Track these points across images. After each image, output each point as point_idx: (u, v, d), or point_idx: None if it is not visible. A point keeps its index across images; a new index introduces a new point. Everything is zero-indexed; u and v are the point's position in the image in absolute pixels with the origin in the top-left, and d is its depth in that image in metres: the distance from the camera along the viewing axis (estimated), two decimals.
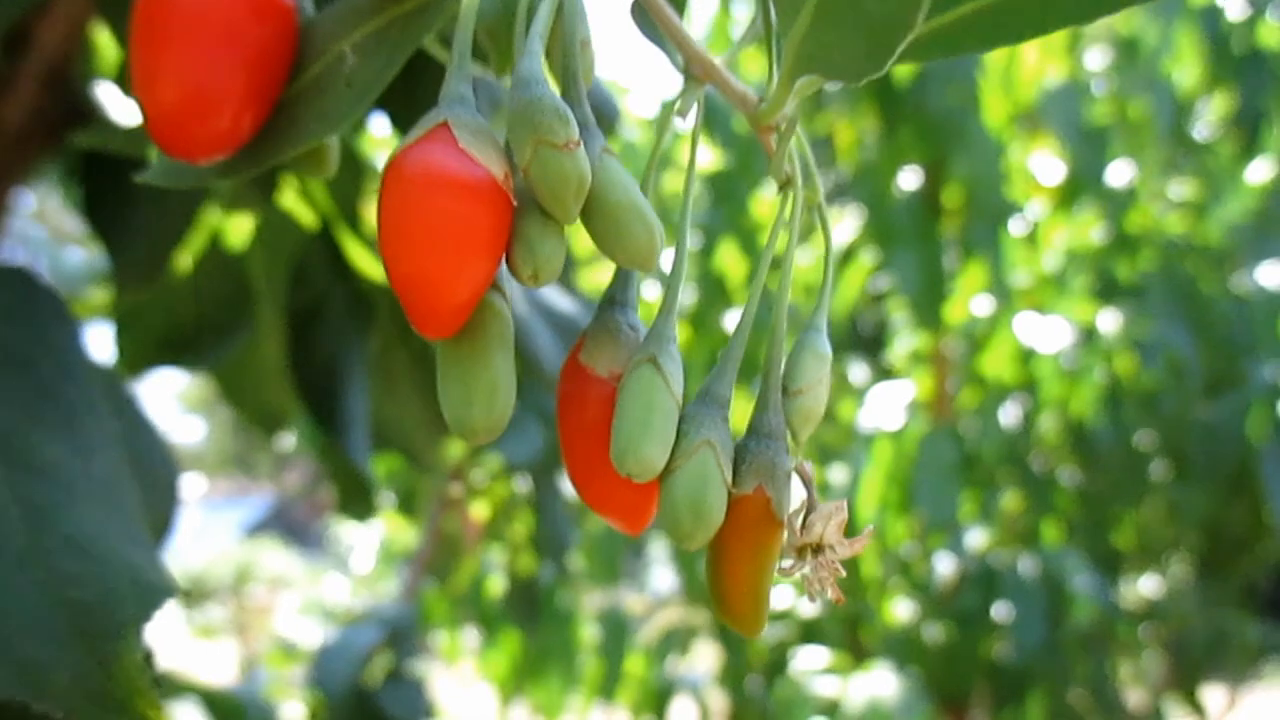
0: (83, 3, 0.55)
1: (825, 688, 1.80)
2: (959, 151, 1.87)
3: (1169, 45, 1.90)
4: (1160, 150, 1.96)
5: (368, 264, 0.64)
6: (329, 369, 0.60)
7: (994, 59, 1.92)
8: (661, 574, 2.58)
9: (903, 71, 1.84)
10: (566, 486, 1.58)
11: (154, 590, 0.29)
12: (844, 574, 0.22)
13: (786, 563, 0.23)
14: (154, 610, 0.28)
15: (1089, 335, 1.97)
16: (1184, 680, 2.11)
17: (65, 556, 0.29)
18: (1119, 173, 1.95)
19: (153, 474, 0.43)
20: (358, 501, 0.62)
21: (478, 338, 0.23)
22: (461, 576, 1.51)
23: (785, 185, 0.25)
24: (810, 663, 1.87)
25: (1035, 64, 1.93)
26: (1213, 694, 2.22)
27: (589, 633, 2.04)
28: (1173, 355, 1.88)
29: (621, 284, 0.26)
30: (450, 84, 0.23)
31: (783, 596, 2.04)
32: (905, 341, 2.06)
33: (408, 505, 1.51)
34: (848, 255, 1.91)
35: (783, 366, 0.25)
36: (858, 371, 2.11)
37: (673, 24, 0.26)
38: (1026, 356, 1.96)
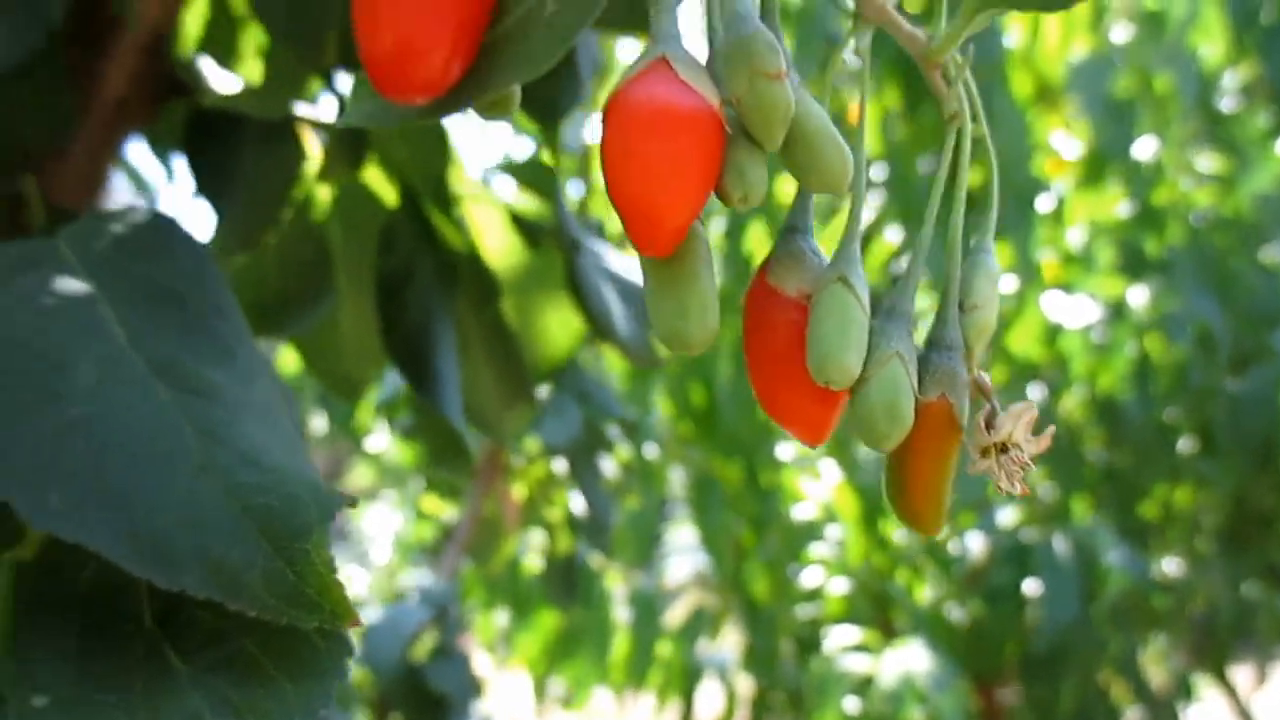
0: None
1: (857, 665, 1.82)
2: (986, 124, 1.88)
3: (1195, 18, 1.91)
4: (1186, 124, 1.98)
5: (451, 232, 0.66)
6: (420, 332, 0.63)
7: (1017, 35, 1.94)
8: (678, 562, 2.60)
9: None
10: (606, 466, 1.61)
11: (331, 496, 0.31)
12: (1033, 469, 0.25)
13: (977, 463, 0.25)
14: (334, 513, 0.30)
15: (1117, 311, 1.99)
16: (1212, 656, 2.13)
17: (241, 469, 0.31)
18: (1145, 147, 1.97)
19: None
20: (453, 456, 0.65)
21: (688, 257, 0.25)
22: (500, 558, 1.54)
23: (953, 119, 0.28)
24: (841, 641, 1.89)
25: (1059, 39, 1.95)
26: (1240, 671, 2.25)
27: (619, 614, 2.07)
28: (1201, 329, 1.90)
29: (801, 211, 0.28)
30: (661, 21, 0.25)
31: (811, 576, 2.07)
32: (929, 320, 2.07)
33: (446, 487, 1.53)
34: (868, 235, 1.94)
35: (958, 284, 0.27)
36: None
37: None
38: (1053, 333, 1.98)
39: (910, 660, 1.84)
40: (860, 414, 0.25)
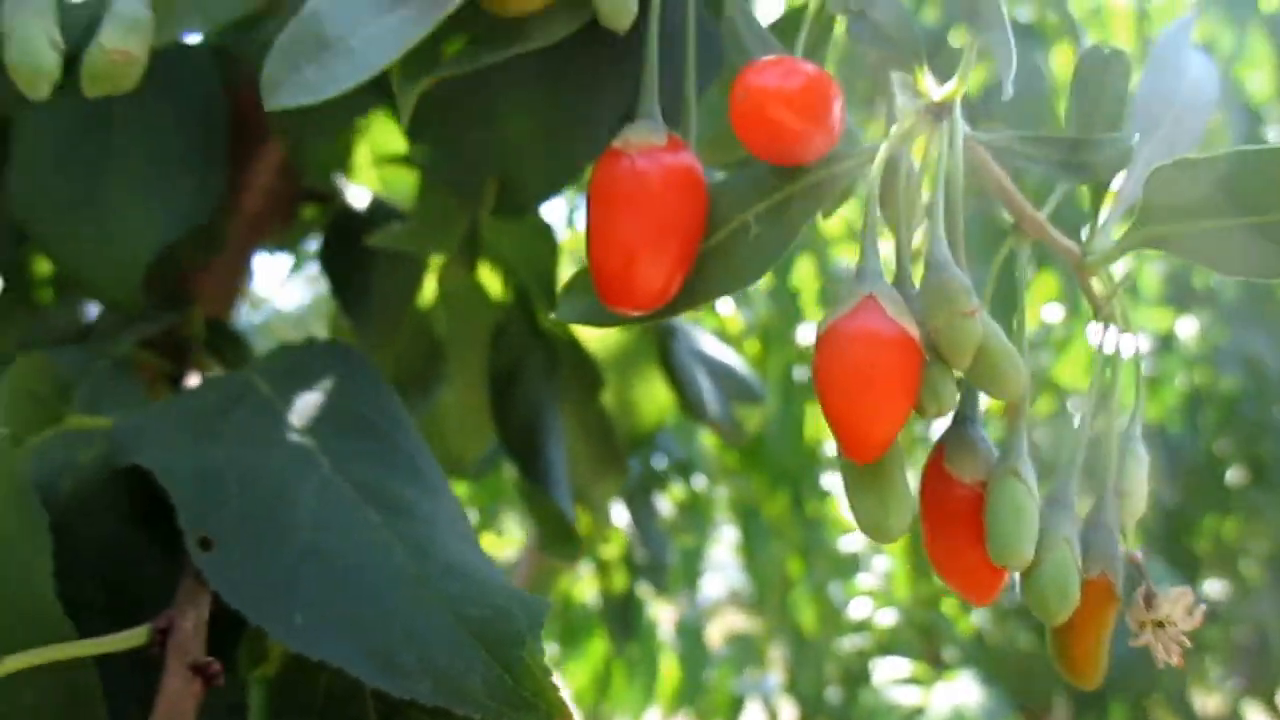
0: None
1: (907, 697, 1.86)
2: None
3: (1243, 50, 1.94)
4: None
5: (556, 327, 0.71)
6: (531, 424, 0.67)
7: (1060, 68, 1.98)
8: (711, 579, 2.63)
9: (972, 83, 1.88)
10: (661, 505, 1.65)
11: (536, 604, 0.35)
12: (1189, 645, 0.29)
13: (1138, 636, 0.30)
14: (542, 620, 0.34)
15: (1166, 343, 2.02)
16: (1262, 685, 2.15)
17: (451, 582, 0.35)
18: None
19: None
20: (563, 542, 0.69)
21: (887, 461, 0.30)
22: (556, 592, 1.59)
23: (1107, 318, 0.32)
24: (891, 673, 1.93)
25: None
26: None
27: (667, 642, 2.10)
28: (1251, 360, 1.93)
29: (972, 404, 0.32)
30: (866, 261, 0.30)
31: (860, 607, 2.10)
32: None
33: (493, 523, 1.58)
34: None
35: (1114, 472, 0.32)
36: None
37: (1002, 183, 0.33)
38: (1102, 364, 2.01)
39: (961, 693, 1.87)
40: (1034, 594, 0.30)
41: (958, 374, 0.30)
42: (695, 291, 0.32)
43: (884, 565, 2.16)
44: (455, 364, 0.73)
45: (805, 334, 1.81)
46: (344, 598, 0.34)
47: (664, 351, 0.76)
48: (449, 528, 0.38)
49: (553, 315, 0.34)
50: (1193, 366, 1.97)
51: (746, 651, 2.21)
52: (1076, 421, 0.32)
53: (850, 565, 2.15)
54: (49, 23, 0.28)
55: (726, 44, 0.36)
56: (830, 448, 2.28)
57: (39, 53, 0.27)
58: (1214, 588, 2.10)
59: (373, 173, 0.67)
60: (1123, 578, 0.31)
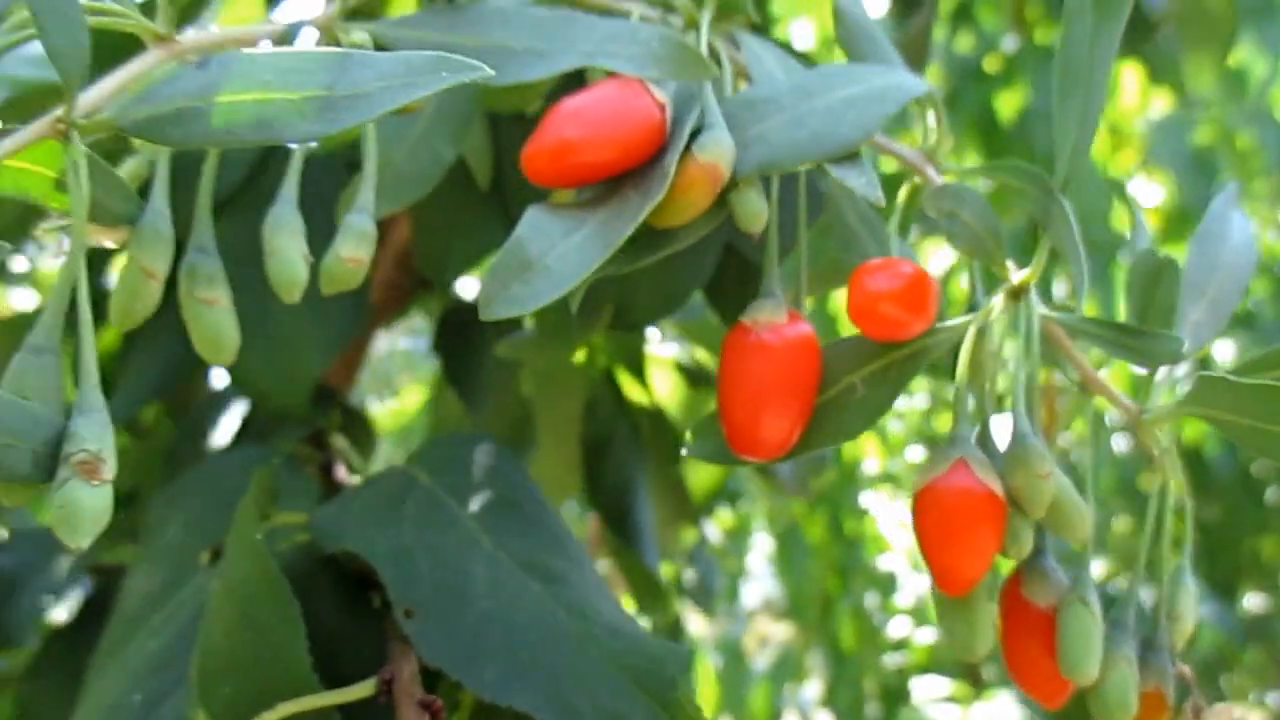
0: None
1: (946, 716, 1.92)
2: (1066, 187, 1.96)
3: (1277, 75, 1.99)
4: (1270, 181, 2.05)
5: (640, 393, 0.78)
6: (621, 488, 0.74)
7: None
8: (747, 588, 2.69)
9: (1007, 108, 1.93)
10: (710, 531, 1.72)
11: (683, 652, 0.41)
12: None
13: None
14: (689, 665, 0.41)
15: (1203, 364, 2.06)
16: None
17: (609, 639, 0.41)
18: None
19: None
20: (652, 598, 0.76)
21: (975, 591, 0.36)
22: None
23: (1162, 478, 0.39)
24: (931, 691, 1.99)
25: (1138, 95, 2.03)
26: None
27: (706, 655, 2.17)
28: None
29: (1043, 539, 0.39)
30: (958, 428, 0.36)
31: (899, 626, 2.16)
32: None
33: None
34: (946, 279, 2.03)
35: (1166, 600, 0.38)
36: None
37: (1072, 353, 0.39)
38: (1139, 385, 2.06)
39: (999, 712, 1.92)
40: (1098, 704, 0.36)
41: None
42: (810, 442, 0.39)
43: (923, 584, 2.21)
44: (544, 431, 0.80)
45: None
46: (523, 655, 0.41)
47: None
48: (596, 592, 0.45)
49: (684, 452, 0.41)
50: None
51: (785, 667, 2.27)
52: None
53: (888, 584, 2.21)
54: (300, 241, 0.35)
55: (831, 221, 0.42)
56: (868, 466, 2.34)
57: (295, 267, 0.34)
58: (1253, 602, 2.15)
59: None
60: (1174, 690, 0.38)
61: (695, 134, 0.36)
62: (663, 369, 0.83)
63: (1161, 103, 2.06)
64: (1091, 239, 1.86)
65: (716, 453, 0.41)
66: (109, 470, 0.26)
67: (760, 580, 2.52)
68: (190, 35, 0.32)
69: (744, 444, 0.39)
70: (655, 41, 0.37)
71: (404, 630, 0.40)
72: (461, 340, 0.69)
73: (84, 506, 0.25)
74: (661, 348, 0.85)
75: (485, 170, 0.54)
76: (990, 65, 1.94)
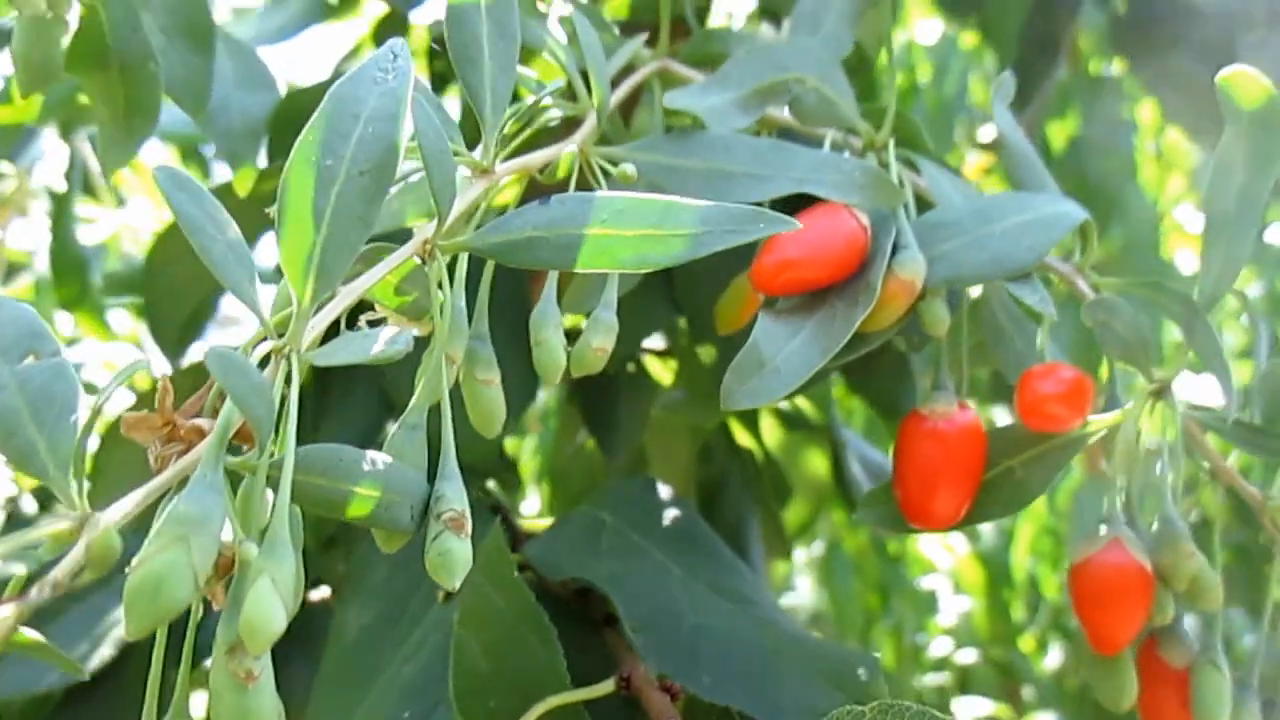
0: None
1: None
2: (1116, 217, 2.02)
3: None
4: None
5: (753, 442, 0.86)
6: (735, 528, 0.82)
7: (1146, 122, 2.08)
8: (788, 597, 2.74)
9: (1059, 137, 2.00)
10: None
11: (871, 657, 0.49)
12: None
13: None
14: (877, 668, 0.48)
15: (1246, 394, 2.12)
16: None
17: (796, 647, 0.49)
18: (1276, 233, 2.10)
19: None
20: None
21: (1124, 653, 0.44)
22: None
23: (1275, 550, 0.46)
24: (971, 711, 2.05)
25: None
26: None
27: None
28: None
29: (1177, 607, 0.46)
30: (1113, 510, 0.43)
31: (940, 645, 2.23)
32: None
33: None
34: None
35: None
36: (1004, 421, 2.28)
37: (1206, 446, 0.46)
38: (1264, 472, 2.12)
39: None
40: None
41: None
42: (974, 516, 0.46)
43: (964, 605, 2.28)
44: (657, 473, 0.87)
45: None
46: (730, 662, 0.48)
47: (836, 456, 0.90)
48: (775, 610, 0.54)
49: (855, 516, 0.48)
50: None
51: None
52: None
53: (929, 603, 2.28)
54: (561, 334, 0.42)
55: (985, 325, 0.49)
56: None
57: (558, 357, 0.41)
58: None
59: None
60: None
61: (892, 251, 0.43)
62: (766, 414, 0.91)
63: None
64: (1138, 265, 1.93)
65: (886, 520, 0.48)
66: (469, 525, 0.33)
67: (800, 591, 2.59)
68: (501, 167, 0.39)
69: (918, 516, 0.46)
70: (857, 171, 0.44)
71: (633, 642, 0.47)
72: (599, 397, 0.76)
73: (456, 555, 0.32)
74: None
75: None
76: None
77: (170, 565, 0.24)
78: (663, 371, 0.83)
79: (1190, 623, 0.46)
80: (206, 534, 0.25)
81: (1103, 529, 0.44)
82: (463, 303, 0.40)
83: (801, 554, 2.35)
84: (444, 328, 0.35)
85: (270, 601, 0.25)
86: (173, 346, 0.75)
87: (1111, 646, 0.43)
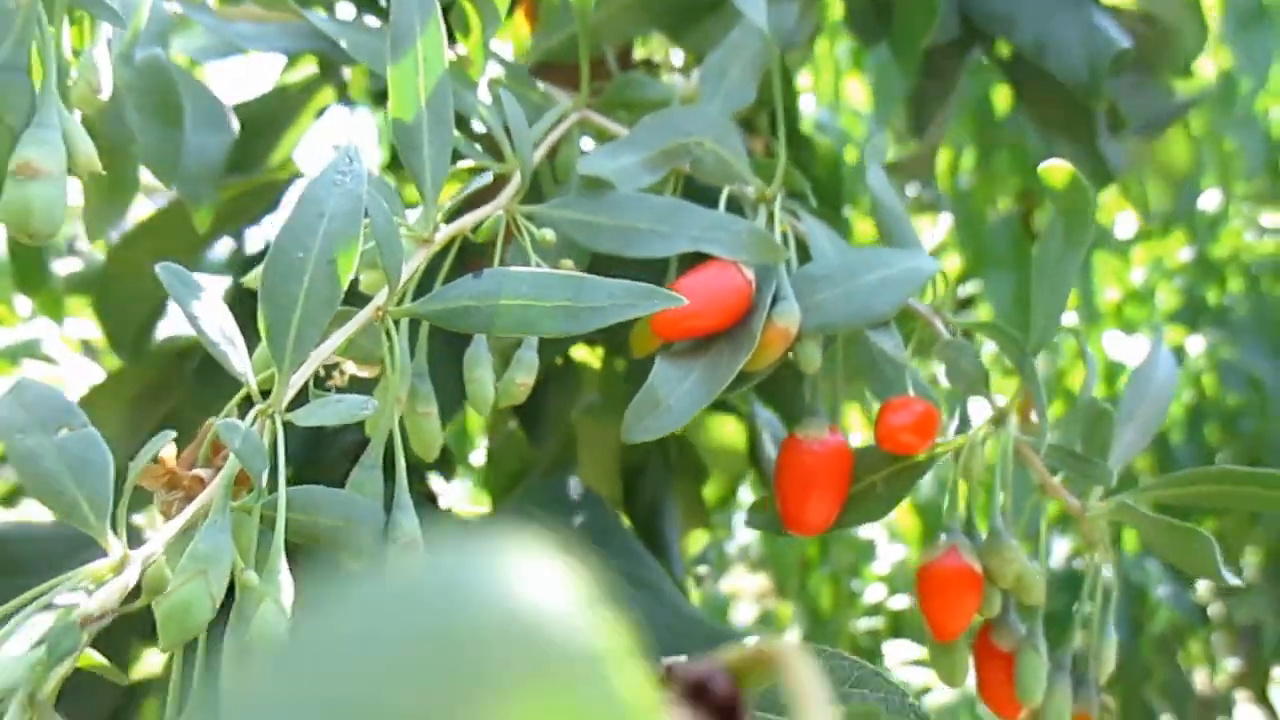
0: None
1: (916, 678, 2.12)
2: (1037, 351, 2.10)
3: (1265, 82, 2.15)
4: (1251, 185, 2.23)
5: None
6: (653, 507, 0.91)
7: None
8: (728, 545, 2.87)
9: (1002, 100, 2.09)
10: None
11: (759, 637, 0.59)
12: None
13: None
14: None
15: (1176, 356, 2.26)
16: (1256, 676, 2.42)
17: (697, 629, 0.60)
18: (1209, 199, 2.22)
19: None
20: None
21: (959, 639, 0.53)
22: None
23: (1093, 553, 0.56)
24: (902, 655, 2.19)
25: None
26: None
27: None
28: (1253, 378, 2.17)
29: (1007, 601, 0.56)
30: (952, 521, 0.53)
31: (875, 591, 2.36)
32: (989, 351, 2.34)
33: None
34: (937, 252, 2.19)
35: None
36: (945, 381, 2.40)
37: (1036, 464, 0.56)
38: (1114, 372, 2.25)
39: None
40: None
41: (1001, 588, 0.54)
42: (842, 522, 0.56)
43: (899, 553, 2.41)
44: (585, 457, 0.96)
45: None
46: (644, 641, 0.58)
47: (752, 437, 0.99)
48: (676, 595, 0.65)
49: (747, 523, 0.58)
50: (1198, 381, 2.21)
51: (767, 624, 2.47)
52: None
53: (867, 551, 2.41)
54: (491, 372, 0.50)
55: (858, 358, 0.58)
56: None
57: (488, 392, 0.50)
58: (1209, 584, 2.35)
59: None
60: (1098, 714, 0.55)
61: (772, 302, 0.52)
62: None
63: None
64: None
65: (769, 525, 0.57)
66: (420, 549, 0.42)
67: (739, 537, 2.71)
68: (439, 235, 0.48)
69: (794, 523, 0.55)
70: (745, 233, 0.52)
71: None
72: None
73: None
74: None
75: None
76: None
77: (194, 593, 0.32)
78: (590, 357, 0.91)
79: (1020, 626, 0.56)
80: (219, 567, 0.33)
81: (943, 537, 0.53)
82: (407, 348, 0.48)
83: (745, 492, 2.47)
84: (395, 378, 0.44)
85: (276, 619, 0.34)
86: (127, 348, 0.82)
87: (947, 635, 0.53)
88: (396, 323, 0.45)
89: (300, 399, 0.41)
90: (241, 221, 0.77)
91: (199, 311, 0.38)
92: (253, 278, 0.45)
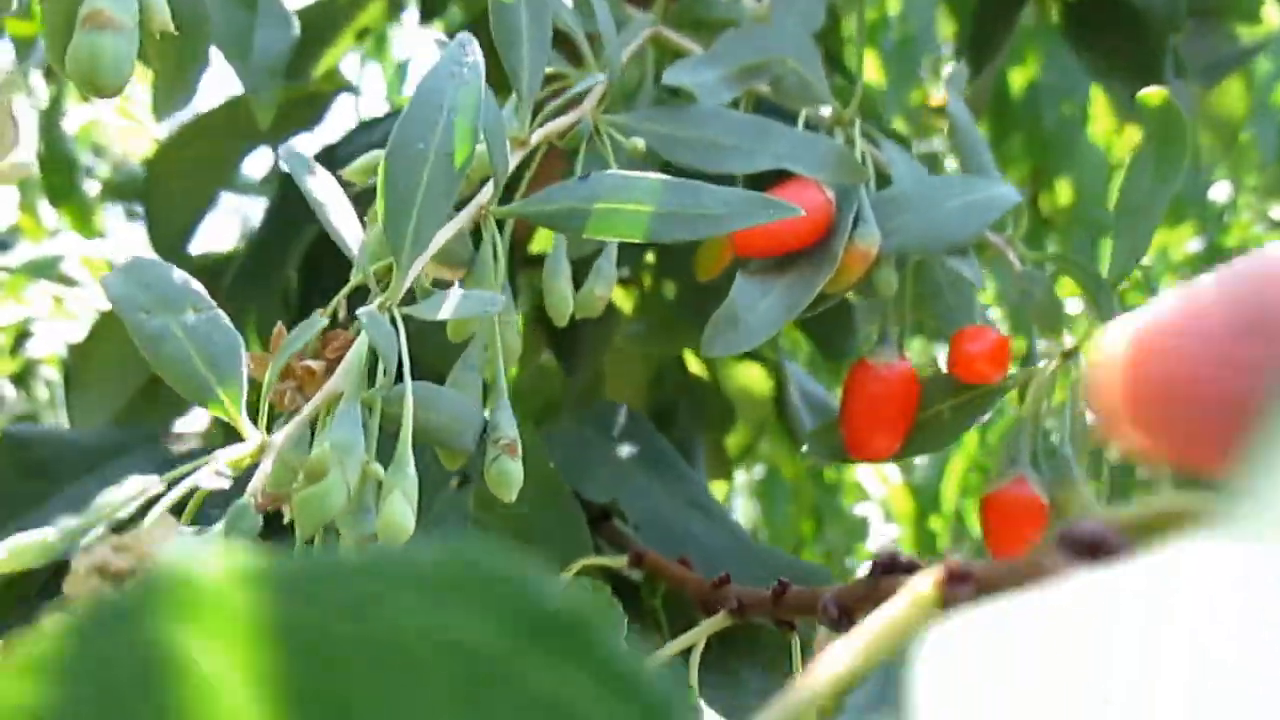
0: None
1: None
2: (1066, 164, 2.13)
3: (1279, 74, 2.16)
4: (1264, 176, 2.24)
5: (702, 370, 0.95)
6: (682, 449, 0.91)
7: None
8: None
9: (1018, 82, 2.09)
10: None
11: (822, 569, 0.60)
12: None
13: None
14: (829, 580, 0.59)
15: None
16: None
17: (765, 557, 0.61)
18: (1219, 190, 2.23)
19: None
20: None
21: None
22: None
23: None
24: None
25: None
26: None
27: None
28: None
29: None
30: (1020, 452, 0.53)
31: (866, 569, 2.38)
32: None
33: None
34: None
35: None
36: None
37: None
38: None
39: None
40: None
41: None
42: (906, 450, 0.56)
43: (893, 532, 2.43)
44: (612, 395, 0.96)
45: None
46: (716, 567, 0.58)
47: (779, 388, 1.00)
48: (737, 526, 0.65)
49: (803, 450, 0.58)
50: None
51: None
52: None
53: (861, 529, 2.43)
54: (570, 283, 0.50)
55: (925, 284, 0.59)
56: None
57: (567, 302, 0.50)
58: None
59: None
60: None
61: (852, 223, 0.52)
62: None
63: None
64: (1088, 217, 2.04)
65: (832, 453, 0.58)
66: (519, 448, 0.42)
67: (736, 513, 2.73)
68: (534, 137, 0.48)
69: (861, 449, 0.56)
70: (830, 152, 0.53)
71: (635, 538, 0.59)
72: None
73: (512, 473, 0.40)
74: None
75: None
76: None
77: (331, 481, 0.32)
78: (624, 299, 0.92)
79: None
80: (354, 456, 0.33)
81: (1010, 466, 0.54)
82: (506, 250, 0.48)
83: (741, 475, 2.48)
84: (494, 277, 0.44)
85: (404, 510, 0.34)
86: (168, 252, 0.82)
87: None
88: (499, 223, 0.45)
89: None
90: (287, 129, 0.76)
91: (314, 187, 0.38)
92: (353, 170, 0.45)
